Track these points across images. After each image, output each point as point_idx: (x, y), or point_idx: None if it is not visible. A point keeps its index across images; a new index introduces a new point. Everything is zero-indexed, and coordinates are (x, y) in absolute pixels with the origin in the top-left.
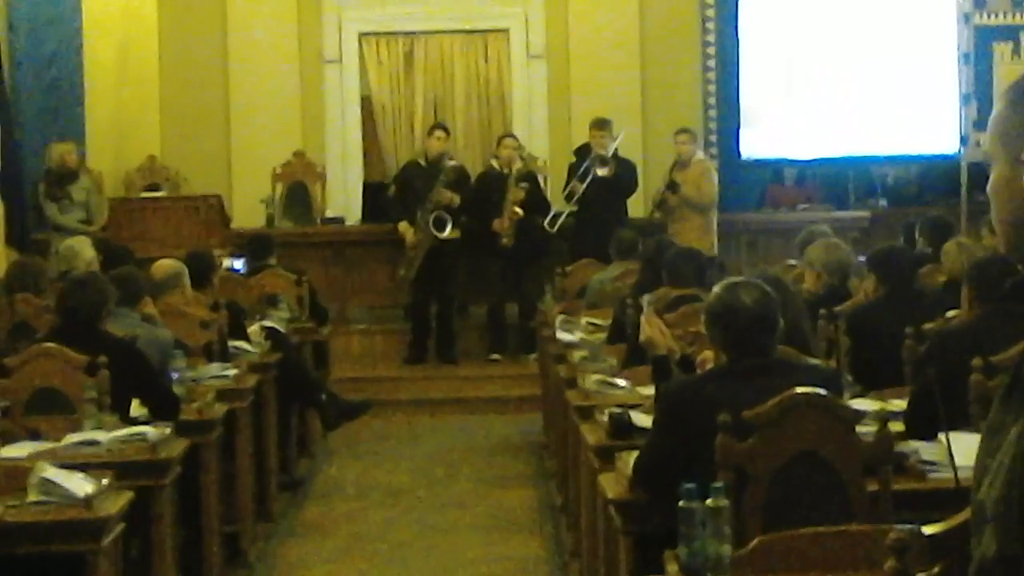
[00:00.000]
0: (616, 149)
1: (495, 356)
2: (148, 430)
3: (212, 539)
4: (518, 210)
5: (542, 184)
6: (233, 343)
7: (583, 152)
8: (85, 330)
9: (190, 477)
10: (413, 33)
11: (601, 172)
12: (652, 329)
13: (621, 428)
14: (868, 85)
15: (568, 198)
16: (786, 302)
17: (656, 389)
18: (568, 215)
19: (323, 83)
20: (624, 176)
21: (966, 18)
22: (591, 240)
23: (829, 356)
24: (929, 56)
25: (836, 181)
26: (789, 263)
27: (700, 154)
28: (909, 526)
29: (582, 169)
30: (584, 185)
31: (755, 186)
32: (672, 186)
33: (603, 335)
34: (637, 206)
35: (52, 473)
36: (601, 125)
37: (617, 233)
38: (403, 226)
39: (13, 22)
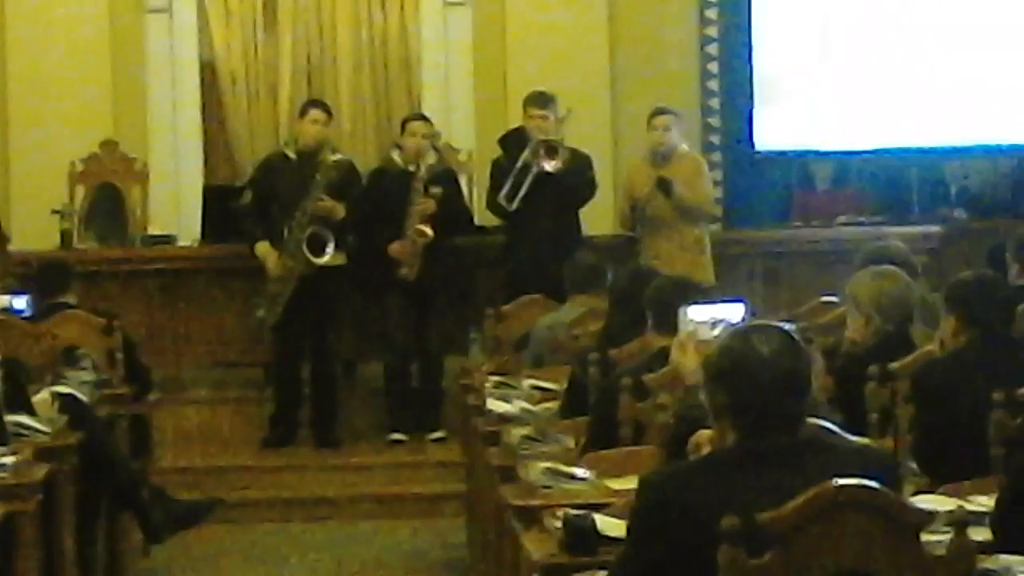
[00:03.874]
0: (562, 136)
1: (397, 436)
2: None
3: None
4: (425, 228)
5: (464, 188)
6: (11, 418)
7: (514, 140)
8: None
9: None
10: None
11: (549, 166)
12: (691, 355)
13: (581, 539)
14: (936, 49)
15: (502, 203)
16: None
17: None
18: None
19: (144, 42)
20: (577, 173)
21: None
22: (531, 268)
23: (883, 433)
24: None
25: (891, 183)
26: (823, 300)
27: (685, 146)
28: None
29: (520, 163)
30: (525, 186)
31: (774, 191)
32: (663, 184)
33: (554, 404)
34: (601, 219)
35: None
36: (541, 102)
37: (573, 257)
38: (263, 248)
39: None
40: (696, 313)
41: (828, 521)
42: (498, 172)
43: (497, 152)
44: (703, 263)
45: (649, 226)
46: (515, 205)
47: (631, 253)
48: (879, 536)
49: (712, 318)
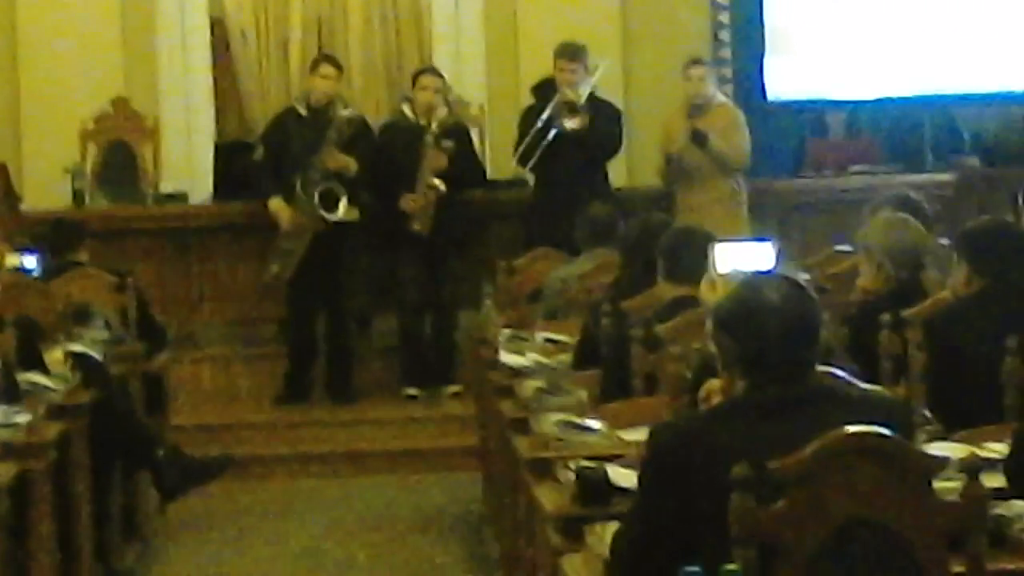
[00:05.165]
0: (593, 89)
1: (412, 391)
2: None
3: None
4: (437, 182)
5: (475, 142)
6: (24, 376)
7: (545, 90)
8: None
9: None
10: None
11: (570, 125)
12: (721, 293)
13: (594, 490)
14: None
15: (523, 160)
16: None
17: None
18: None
19: None
20: (603, 128)
21: None
22: (555, 223)
23: (897, 381)
24: None
25: (904, 132)
26: (838, 250)
27: (721, 96)
28: None
29: (542, 120)
30: (544, 144)
31: (787, 140)
32: (697, 136)
33: (567, 357)
34: (616, 172)
35: None
36: (571, 54)
37: (586, 210)
38: (276, 204)
39: None
40: (725, 252)
41: (839, 468)
42: (525, 121)
43: (508, 107)
44: (739, 215)
45: (684, 179)
46: (532, 164)
47: (666, 207)
48: (890, 483)
49: (740, 257)
